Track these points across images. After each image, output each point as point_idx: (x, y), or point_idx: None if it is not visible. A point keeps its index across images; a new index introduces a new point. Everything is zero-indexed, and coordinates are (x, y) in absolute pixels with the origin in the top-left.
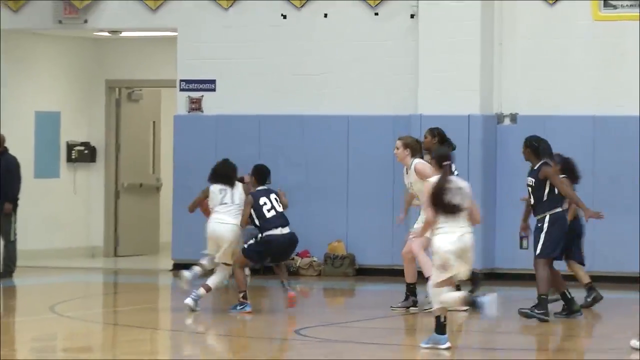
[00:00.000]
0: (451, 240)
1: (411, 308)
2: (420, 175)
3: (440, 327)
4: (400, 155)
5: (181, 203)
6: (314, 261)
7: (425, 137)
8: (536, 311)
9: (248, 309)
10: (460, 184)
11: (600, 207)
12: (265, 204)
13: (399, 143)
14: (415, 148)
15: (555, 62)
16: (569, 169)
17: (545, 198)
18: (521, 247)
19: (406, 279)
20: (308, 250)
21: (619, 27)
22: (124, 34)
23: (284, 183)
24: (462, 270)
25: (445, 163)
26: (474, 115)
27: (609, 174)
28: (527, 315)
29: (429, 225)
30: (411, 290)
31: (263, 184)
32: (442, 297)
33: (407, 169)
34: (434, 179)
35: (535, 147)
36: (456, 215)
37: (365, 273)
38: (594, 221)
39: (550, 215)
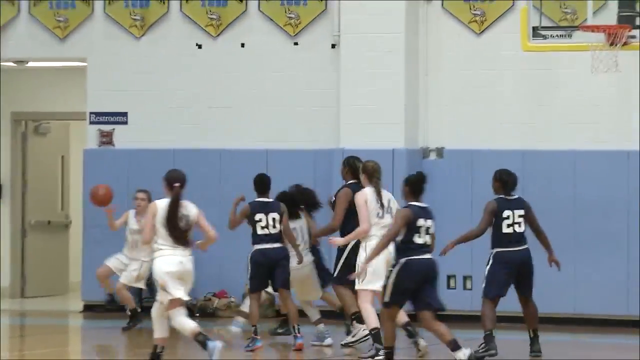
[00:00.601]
0: (170, 262)
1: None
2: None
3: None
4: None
5: (91, 241)
6: (232, 302)
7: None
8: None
9: (259, 344)
10: (187, 211)
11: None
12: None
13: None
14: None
15: (483, 94)
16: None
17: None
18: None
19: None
20: (225, 290)
21: (549, 58)
22: (30, 63)
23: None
24: (181, 293)
25: (175, 185)
26: (398, 149)
27: (538, 209)
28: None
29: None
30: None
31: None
32: (176, 320)
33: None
34: (165, 201)
35: (505, 182)
36: (180, 240)
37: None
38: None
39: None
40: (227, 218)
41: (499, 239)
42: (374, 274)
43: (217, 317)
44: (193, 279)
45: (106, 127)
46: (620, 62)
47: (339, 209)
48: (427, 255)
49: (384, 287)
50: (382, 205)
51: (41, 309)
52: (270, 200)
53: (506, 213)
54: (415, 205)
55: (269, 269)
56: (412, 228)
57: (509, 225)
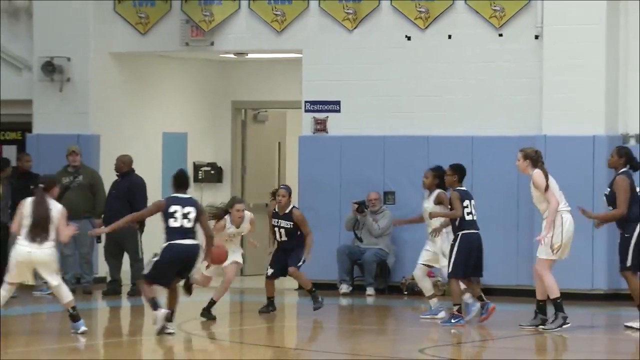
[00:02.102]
0: (21, 252)
1: (540, 326)
2: (536, 185)
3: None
4: (522, 167)
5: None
6: (439, 281)
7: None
8: None
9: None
10: (49, 209)
11: None
12: None
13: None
14: (535, 159)
15: None
16: None
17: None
18: None
19: (537, 296)
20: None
21: None
22: (249, 55)
23: (408, 203)
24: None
25: (40, 186)
26: (599, 136)
27: None
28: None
29: None
30: (540, 308)
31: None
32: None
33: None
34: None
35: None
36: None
37: (491, 293)
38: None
39: None
40: None
41: None
42: None
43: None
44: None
45: (320, 115)
46: None
47: (622, 197)
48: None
49: None
50: None
51: (258, 286)
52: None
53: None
54: None
55: None
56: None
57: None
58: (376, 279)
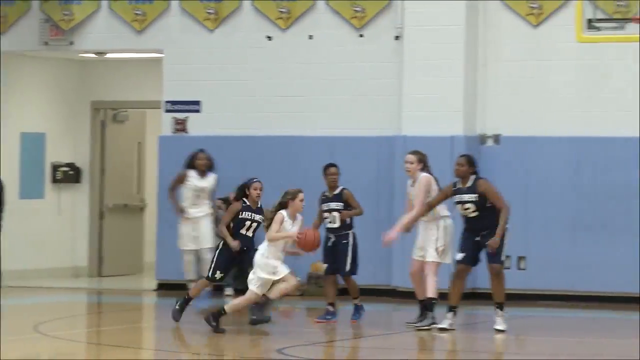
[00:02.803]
0: None
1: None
2: (426, 189)
3: None
4: (413, 169)
5: (165, 223)
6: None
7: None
8: None
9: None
10: None
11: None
12: None
13: (412, 158)
14: (425, 163)
15: (539, 83)
16: None
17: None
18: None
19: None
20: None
21: (602, 49)
22: (109, 55)
23: (269, 203)
24: None
25: None
26: (457, 136)
27: (593, 194)
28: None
29: None
30: (427, 307)
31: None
32: None
33: (413, 181)
34: None
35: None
36: None
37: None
38: None
39: None
40: None
41: None
42: None
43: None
44: None
45: (180, 115)
46: None
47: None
48: None
49: None
50: None
51: (117, 287)
52: None
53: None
54: None
55: None
56: None
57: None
58: (235, 279)
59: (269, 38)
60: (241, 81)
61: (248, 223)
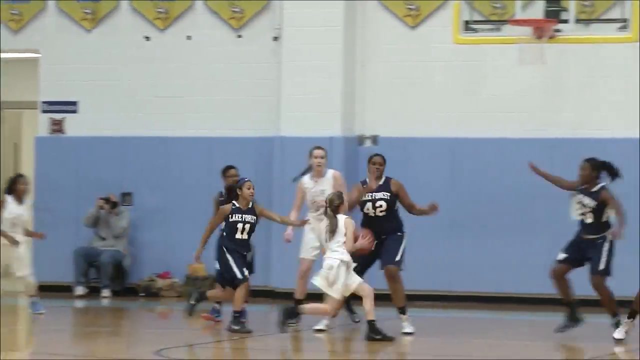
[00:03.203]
0: None
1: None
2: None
3: None
4: (323, 164)
5: (41, 225)
6: (175, 282)
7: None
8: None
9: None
10: None
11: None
12: None
13: (323, 152)
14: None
15: (417, 84)
16: None
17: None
18: None
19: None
20: (169, 271)
21: (479, 51)
22: None
23: (145, 205)
24: None
25: None
26: (336, 137)
27: (468, 193)
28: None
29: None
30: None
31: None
32: None
33: (317, 178)
34: None
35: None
36: None
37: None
38: None
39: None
40: (170, 203)
41: None
42: None
43: (160, 296)
44: None
45: (57, 116)
46: (546, 54)
47: None
48: None
49: None
50: None
51: None
52: None
53: None
54: None
55: None
56: None
57: None
58: (112, 280)
59: (147, 38)
60: (119, 82)
61: (240, 226)
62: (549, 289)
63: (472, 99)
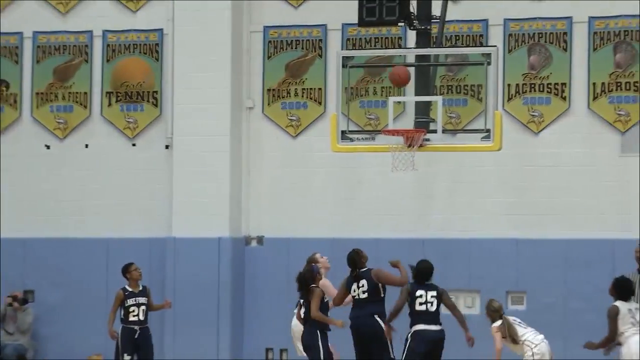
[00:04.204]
0: None
1: None
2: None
3: None
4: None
5: None
6: None
7: None
8: None
9: None
10: None
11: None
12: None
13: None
14: None
15: (299, 189)
16: None
17: None
18: None
19: None
20: None
21: (355, 158)
22: None
23: (46, 301)
24: None
25: None
26: (224, 237)
27: None
28: None
29: None
30: None
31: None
32: None
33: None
34: None
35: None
36: None
37: None
38: None
39: None
40: (71, 299)
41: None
42: None
43: None
44: None
45: None
46: (416, 161)
47: None
48: None
49: None
50: None
51: None
52: None
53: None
54: None
55: None
56: None
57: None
58: None
59: (47, 147)
60: (22, 187)
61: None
62: None
63: (350, 202)
